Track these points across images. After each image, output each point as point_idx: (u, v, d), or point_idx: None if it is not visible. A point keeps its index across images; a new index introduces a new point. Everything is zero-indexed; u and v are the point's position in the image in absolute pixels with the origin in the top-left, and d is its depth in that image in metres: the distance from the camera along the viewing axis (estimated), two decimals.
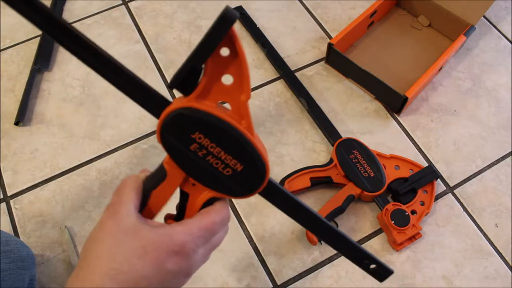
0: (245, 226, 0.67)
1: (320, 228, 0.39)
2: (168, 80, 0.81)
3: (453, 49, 0.77)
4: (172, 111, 0.32)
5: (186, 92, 0.32)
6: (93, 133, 0.76)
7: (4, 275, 0.51)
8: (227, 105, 0.33)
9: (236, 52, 0.31)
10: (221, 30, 0.30)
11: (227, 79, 0.32)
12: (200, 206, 0.35)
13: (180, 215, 0.37)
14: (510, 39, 0.87)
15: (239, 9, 0.88)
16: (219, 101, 0.33)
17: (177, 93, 0.79)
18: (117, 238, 0.32)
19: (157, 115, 0.33)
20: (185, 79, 0.32)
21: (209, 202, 0.35)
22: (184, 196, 0.36)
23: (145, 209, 0.35)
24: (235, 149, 0.32)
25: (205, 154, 0.32)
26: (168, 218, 0.38)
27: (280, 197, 0.37)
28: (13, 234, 0.67)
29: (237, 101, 0.32)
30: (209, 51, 0.31)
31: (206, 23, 0.88)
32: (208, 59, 0.31)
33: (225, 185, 0.34)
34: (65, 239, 0.66)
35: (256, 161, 0.33)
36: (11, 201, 0.70)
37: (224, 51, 0.31)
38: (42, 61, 0.82)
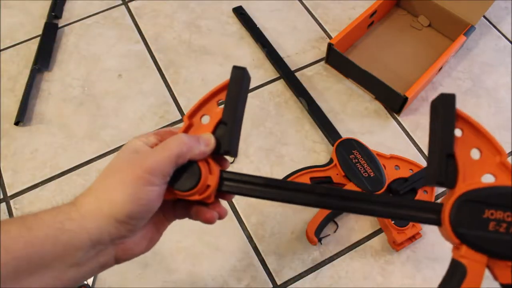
0: (245, 226, 0.68)
1: None
2: (168, 80, 0.81)
3: (453, 49, 0.77)
4: (452, 206, 0.32)
5: (451, 184, 0.33)
6: (93, 133, 0.76)
7: None
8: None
9: (469, 125, 0.33)
10: (448, 111, 0.33)
11: (475, 154, 0.33)
12: None
13: None
14: (510, 39, 0.87)
15: (239, 9, 0.88)
16: (484, 175, 0.33)
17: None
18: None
19: (438, 223, 0.34)
20: (446, 174, 0.33)
21: None
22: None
23: None
24: None
25: (507, 228, 0.31)
26: None
27: None
28: None
29: (496, 165, 0.33)
30: (452, 136, 0.33)
31: (206, 23, 0.88)
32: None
33: None
34: None
35: None
36: (11, 201, 0.70)
37: (458, 131, 0.33)
38: (42, 61, 0.82)
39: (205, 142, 0.37)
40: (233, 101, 0.38)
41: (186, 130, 0.39)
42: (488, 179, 0.33)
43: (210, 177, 0.37)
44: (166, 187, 0.35)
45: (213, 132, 0.38)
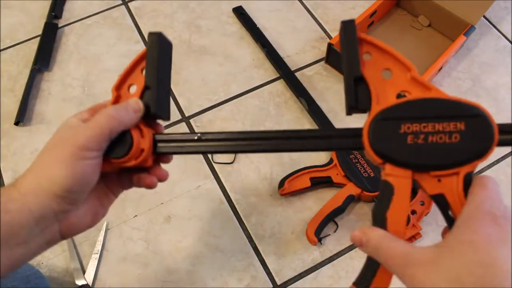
0: (245, 226, 0.67)
1: None
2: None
3: (453, 49, 0.77)
4: (369, 126, 0.33)
5: (365, 107, 0.34)
6: None
7: None
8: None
9: (376, 48, 0.33)
10: (350, 36, 0.33)
11: (386, 74, 0.34)
12: (462, 193, 0.31)
13: (450, 220, 0.32)
14: (510, 39, 0.87)
15: (239, 9, 0.88)
16: (398, 93, 0.33)
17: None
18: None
19: (360, 146, 0.34)
20: (357, 98, 0.33)
21: (467, 185, 0.32)
22: (439, 200, 0.32)
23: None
24: (446, 114, 0.31)
25: (424, 138, 0.31)
26: (444, 233, 0.34)
27: None
28: None
29: (408, 81, 0.33)
30: (356, 59, 0.33)
31: (206, 23, 0.88)
32: (361, 68, 0.33)
33: (464, 152, 0.32)
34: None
35: (470, 110, 0.32)
36: None
37: (366, 56, 0.33)
38: (42, 61, 0.82)
39: (133, 108, 0.38)
40: (153, 65, 0.39)
41: (115, 102, 0.40)
42: (402, 96, 0.34)
43: (143, 141, 0.38)
44: (102, 159, 0.36)
45: (141, 99, 0.39)
